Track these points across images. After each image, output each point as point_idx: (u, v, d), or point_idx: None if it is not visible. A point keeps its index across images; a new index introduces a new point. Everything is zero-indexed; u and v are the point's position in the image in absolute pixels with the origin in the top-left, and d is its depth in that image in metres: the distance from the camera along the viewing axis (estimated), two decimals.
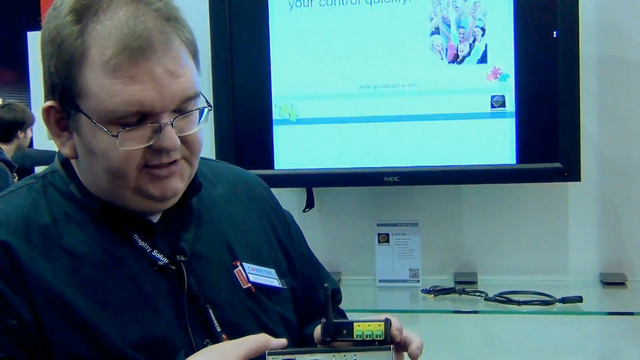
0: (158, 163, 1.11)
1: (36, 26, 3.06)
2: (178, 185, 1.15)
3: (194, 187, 1.22)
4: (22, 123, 4.52)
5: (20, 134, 4.54)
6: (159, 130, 1.08)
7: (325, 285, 1.10)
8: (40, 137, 3.34)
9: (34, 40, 3.08)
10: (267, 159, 2.49)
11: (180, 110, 1.10)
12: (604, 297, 2.50)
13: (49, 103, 1.12)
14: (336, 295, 1.46)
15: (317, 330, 1.09)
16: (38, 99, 3.12)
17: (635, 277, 2.53)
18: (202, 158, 1.28)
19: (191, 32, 1.13)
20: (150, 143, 1.08)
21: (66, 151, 1.15)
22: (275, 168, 2.49)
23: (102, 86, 1.05)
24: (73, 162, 1.19)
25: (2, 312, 1.07)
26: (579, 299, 2.32)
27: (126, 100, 1.05)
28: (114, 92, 1.05)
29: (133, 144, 1.08)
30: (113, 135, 1.07)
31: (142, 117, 1.07)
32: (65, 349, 1.08)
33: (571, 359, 2.52)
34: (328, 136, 2.47)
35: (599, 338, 2.53)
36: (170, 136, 1.08)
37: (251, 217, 1.33)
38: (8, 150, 4.42)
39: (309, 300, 1.36)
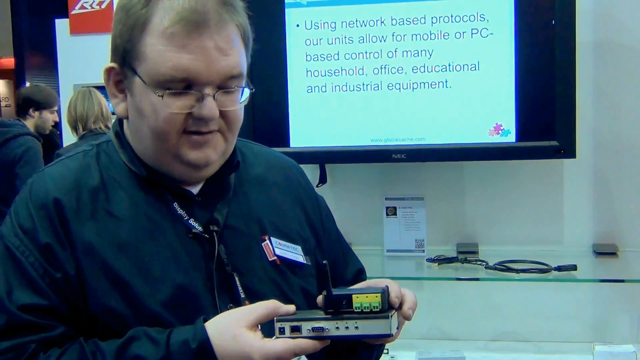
0: (196, 130, 1.18)
1: (63, 14, 3.20)
2: (212, 155, 1.21)
3: (232, 164, 1.29)
4: (37, 102, 4.49)
5: (34, 113, 4.50)
6: (201, 99, 1.16)
7: (324, 262, 1.15)
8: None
9: (62, 27, 3.21)
10: (283, 137, 2.58)
11: (224, 87, 1.18)
12: (597, 266, 2.56)
13: (111, 64, 1.22)
14: (361, 274, 1.49)
15: (320, 299, 1.15)
16: (65, 83, 3.22)
17: (626, 247, 2.60)
18: (245, 141, 1.39)
19: (246, 19, 1.22)
20: (191, 110, 1.17)
21: (119, 110, 1.24)
22: (290, 146, 2.58)
23: (157, 51, 1.15)
24: (125, 126, 1.28)
25: (50, 264, 1.16)
26: (574, 268, 2.39)
27: (176, 66, 1.14)
28: (166, 57, 1.14)
29: (177, 108, 1.16)
30: (159, 96, 1.15)
31: (188, 85, 1.15)
32: (103, 304, 1.15)
33: (566, 323, 2.63)
34: (339, 102, 2.54)
35: (592, 304, 2.65)
36: (210, 105, 1.16)
37: (284, 197, 1.38)
38: (29, 126, 4.43)
39: (334, 278, 1.40)
